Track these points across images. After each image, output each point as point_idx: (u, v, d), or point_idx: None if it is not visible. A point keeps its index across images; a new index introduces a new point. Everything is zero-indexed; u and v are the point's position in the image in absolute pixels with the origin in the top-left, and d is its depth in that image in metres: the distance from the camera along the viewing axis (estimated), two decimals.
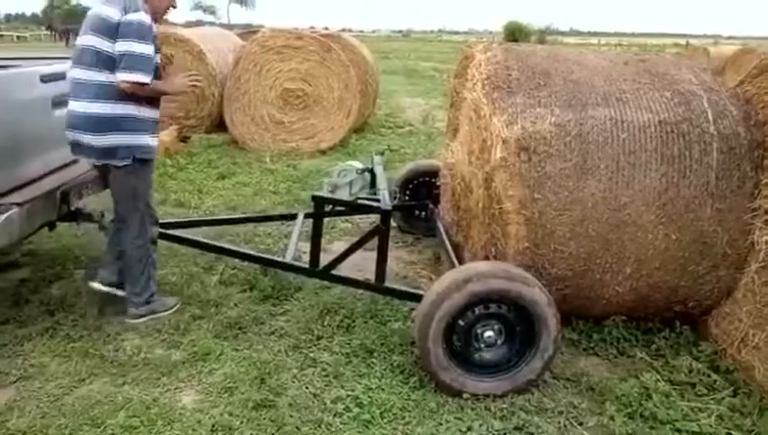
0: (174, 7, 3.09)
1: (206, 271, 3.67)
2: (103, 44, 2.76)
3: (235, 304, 3.25)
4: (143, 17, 2.77)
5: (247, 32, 10.74)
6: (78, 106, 2.81)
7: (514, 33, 29.07)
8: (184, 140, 6.84)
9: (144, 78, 2.76)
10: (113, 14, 2.76)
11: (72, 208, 3.19)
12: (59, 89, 3.11)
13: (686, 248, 2.71)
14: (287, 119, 7.30)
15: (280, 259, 3.22)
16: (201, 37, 8.13)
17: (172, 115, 7.68)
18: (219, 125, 7.81)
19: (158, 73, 2.96)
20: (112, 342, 2.85)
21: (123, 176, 2.90)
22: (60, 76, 3.13)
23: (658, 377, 2.64)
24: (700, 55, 14.76)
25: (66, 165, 3.29)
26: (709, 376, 2.65)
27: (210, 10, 60.59)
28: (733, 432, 2.33)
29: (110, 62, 2.76)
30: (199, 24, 38.24)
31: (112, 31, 2.75)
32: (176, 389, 2.53)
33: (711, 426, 2.36)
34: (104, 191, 3.26)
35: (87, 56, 2.79)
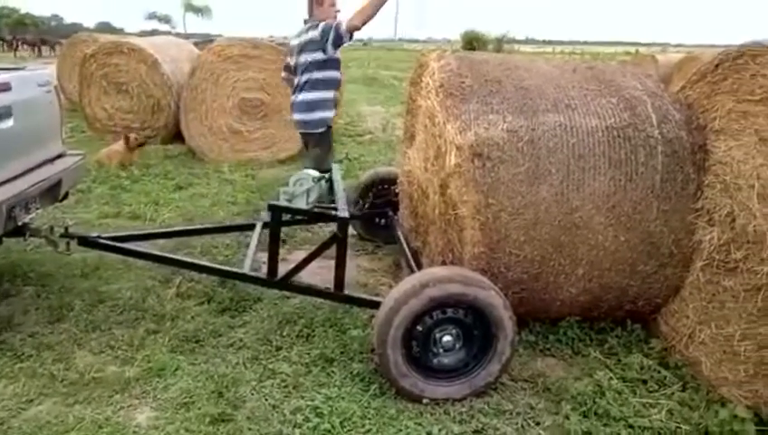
0: (337, 11, 4.13)
1: (162, 284, 3.60)
2: (312, 55, 4.03)
3: (193, 317, 3.19)
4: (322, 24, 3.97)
5: (204, 41, 10.62)
6: (301, 96, 4.16)
7: (472, 42, 29.51)
8: (139, 146, 6.68)
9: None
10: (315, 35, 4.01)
11: (20, 223, 3.08)
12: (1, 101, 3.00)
13: (635, 249, 2.80)
14: (245, 128, 7.23)
15: (238, 270, 3.18)
16: (156, 47, 7.99)
17: (127, 126, 7.53)
18: (176, 136, 7.68)
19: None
20: (63, 360, 2.76)
21: (319, 138, 4.24)
22: (5, 87, 3.02)
23: (612, 375, 2.71)
24: (648, 63, 15.27)
25: (11, 179, 3.18)
26: (659, 372, 2.74)
27: (165, 19, 59.55)
28: (682, 426, 2.41)
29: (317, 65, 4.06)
30: (154, 33, 37.57)
31: (318, 42, 3.98)
32: (129, 406, 2.47)
33: (662, 421, 2.43)
34: (52, 205, 3.16)
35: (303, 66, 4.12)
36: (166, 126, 7.74)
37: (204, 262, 3.50)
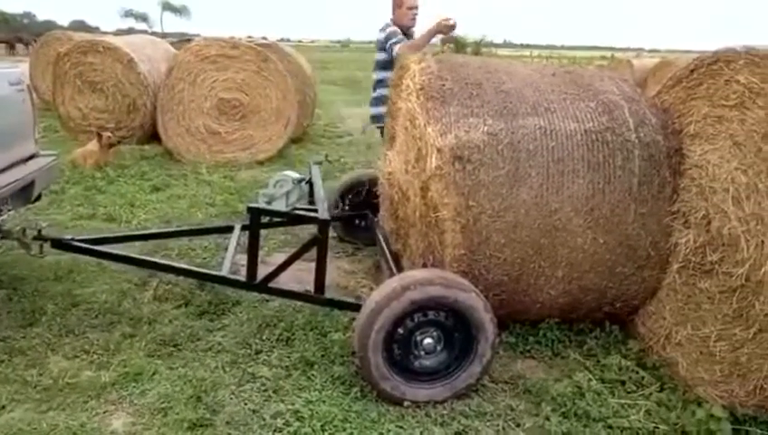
0: (414, 15, 4.39)
1: (138, 287, 3.54)
2: (380, 55, 4.42)
3: (170, 321, 3.14)
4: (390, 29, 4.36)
5: (181, 40, 10.48)
6: (373, 93, 4.53)
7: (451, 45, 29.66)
8: (112, 146, 6.56)
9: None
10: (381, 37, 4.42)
11: None
12: None
13: (613, 251, 2.84)
14: (223, 129, 7.17)
15: (216, 273, 3.14)
16: (131, 45, 7.88)
17: (102, 126, 7.40)
18: (152, 136, 7.57)
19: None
20: (36, 365, 2.69)
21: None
22: None
23: (591, 376, 2.73)
24: (624, 67, 15.53)
25: None
26: (637, 373, 2.77)
27: (142, 18, 58.71)
28: (660, 426, 2.44)
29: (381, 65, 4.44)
30: (131, 32, 37.04)
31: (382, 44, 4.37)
32: (105, 412, 2.42)
33: (640, 421, 2.46)
34: (25, 207, 3.09)
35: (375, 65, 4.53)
36: (142, 126, 7.63)
37: (181, 264, 3.45)
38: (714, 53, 2.68)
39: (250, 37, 12.45)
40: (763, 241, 2.36)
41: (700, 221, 2.71)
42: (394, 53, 4.19)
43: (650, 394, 2.63)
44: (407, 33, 4.38)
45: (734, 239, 2.50)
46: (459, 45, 29.19)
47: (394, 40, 4.27)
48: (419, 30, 4.49)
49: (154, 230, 4.21)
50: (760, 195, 2.40)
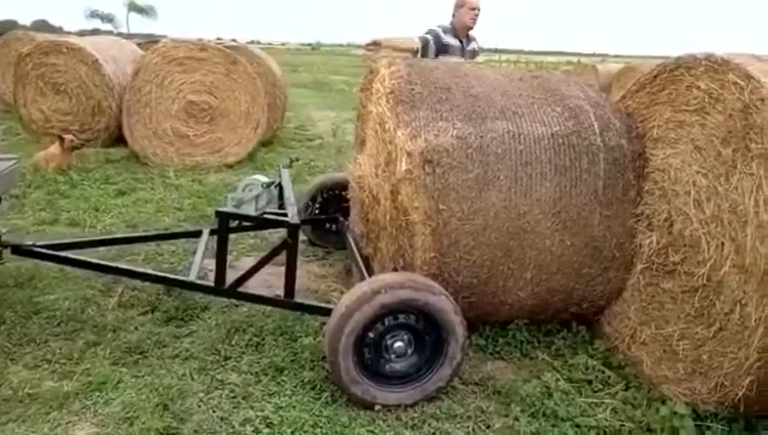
0: (475, 15, 4.37)
1: (103, 294, 3.46)
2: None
3: (136, 328, 3.08)
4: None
5: (148, 42, 10.31)
6: None
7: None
8: (75, 149, 6.41)
9: None
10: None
11: None
12: None
13: (580, 253, 2.88)
14: (192, 132, 7.06)
15: (184, 278, 3.09)
16: (96, 46, 7.71)
17: (65, 128, 7.21)
18: (118, 139, 7.42)
19: None
20: None
21: None
22: None
23: (558, 376, 2.78)
24: (590, 72, 15.84)
25: None
26: (604, 372, 2.82)
27: (108, 18, 57.45)
28: (626, 424, 2.49)
29: None
30: (95, 33, 36.23)
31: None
32: (68, 423, 2.35)
33: (607, 420, 2.51)
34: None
35: None
36: (107, 129, 7.47)
37: (147, 270, 3.38)
38: (675, 60, 2.76)
39: (219, 39, 12.31)
40: (722, 242, 2.43)
41: (663, 223, 2.77)
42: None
43: (616, 393, 2.68)
44: (463, 33, 4.42)
45: (695, 241, 2.57)
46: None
47: (447, 38, 4.34)
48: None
49: (119, 235, 4.11)
50: (720, 198, 2.47)
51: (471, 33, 4.54)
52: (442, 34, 4.36)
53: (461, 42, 4.45)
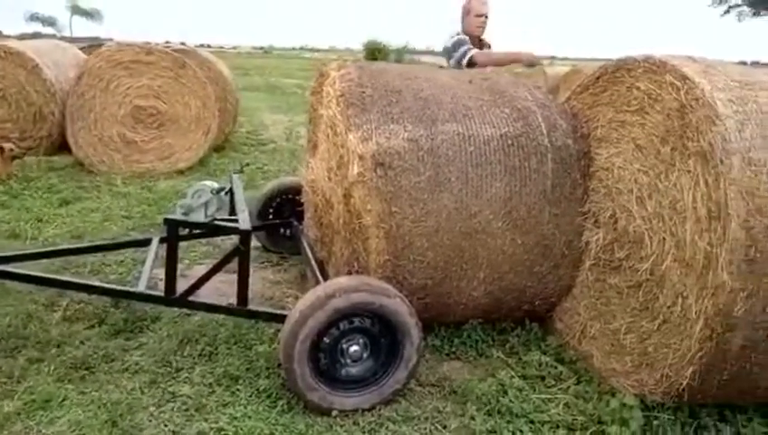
0: (481, 23, 4.36)
1: (46, 308, 3.31)
2: (446, 63, 4.43)
3: (82, 342, 2.96)
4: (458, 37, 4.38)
5: (91, 45, 9.96)
6: None
7: (374, 52, 29.91)
8: (15, 158, 6.14)
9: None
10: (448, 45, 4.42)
11: None
12: None
13: (531, 251, 2.94)
14: (140, 138, 6.86)
15: (131, 289, 2.99)
16: (37, 50, 7.39)
17: (4, 136, 6.90)
18: (61, 146, 7.14)
19: None
20: None
21: None
22: None
23: (513, 373, 2.82)
24: (538, 74, 16.18)
25: None
26: (556, 368, 2.89)
27: (50, 22, 55.40)
28: (578, 418, 2.55)
29: None
30: (36, 36, 34.86)
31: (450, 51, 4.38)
32: None
33: (560, 414, 2.56)
34: None
35: None
36: (49, 136, 7.17)
37: (93, 282, 3.27)
38: (616, 62, 2.85)
39: (168, 43, 12.02)
40: (664, 238, 2.52)
41: (608, 220, 2.86)
42: (466, 58, 4.22)
43: (568, 387, 2.75)
44: (474, 41, 4.38)
45: (638, 237, 2.66)
46: (383, 52, 29.52)
47: (466, 47, 4.26)
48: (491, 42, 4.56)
49: (63, 246, 3.95)
50: (660, 194, 2.56)
51: (485, 39, 4.49)
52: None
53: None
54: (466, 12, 4.36)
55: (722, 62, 2.69)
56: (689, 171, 2.38)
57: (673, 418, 2.50)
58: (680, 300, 2.41)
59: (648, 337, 2.57)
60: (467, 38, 4.34)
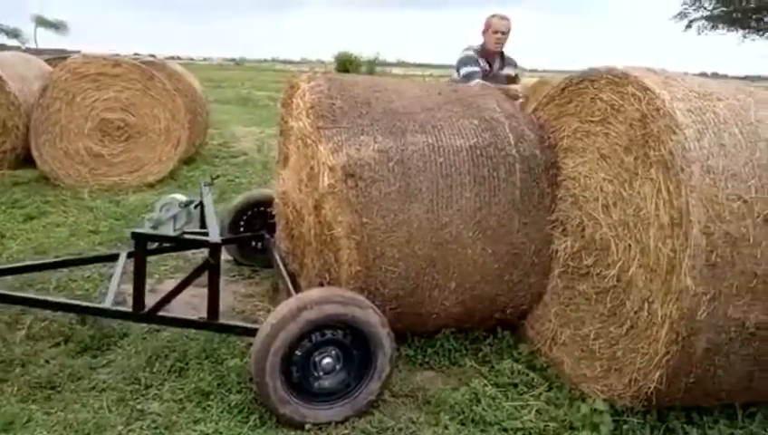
0: (498, 39, 4.37)
1: (9, 326, 3.21)
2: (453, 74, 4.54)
3: (47, 361, 2.88)
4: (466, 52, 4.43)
5: (57, 57, 9.78)
6: None
7: (345, 64, 30.02)
8: None
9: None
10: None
11: None
12: None
13: (501, 260, 2.98)
14: (107, 151, 6.75)
15: (98, 305, 2.93)
16: (0, 63, 7.24)
17: None
18: (26, 160, 6.98)
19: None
20: None
21: None
22: None
23: (486, 382, 2.84)
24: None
25: None
26: (528, 375, 2.92)
27: (14, 33, 54.22)
28: (549, 424, 2.58)
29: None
30: (0, 48, 34.09)
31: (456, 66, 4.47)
32: None
33: (532, 421, 2.59)
34: None
35: None
36: (13, 149, 7.00)
37: (59, 298, 3.19)
38: (581, 74, 2.92)
39: (137, 55, 11.88)
40: (629, 244, 2.58)
41: (576, 228, 2.91)
42: (466, 78, 4.28)
43: (540, 394, 2.77)
44: (492, 56, 4.40)
45: (605, 244, 2.72)
46: (354, 64, 29.64)
47: (467, 70, 4.30)
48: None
49: (27, 262, 3.86)
50: (625, 202, 2.62)
51: (508, 56, 4.51)
52: (476, 56, 4.36)
53: (490, 65, 4.42)
54: (486, 27, 4.41)
55: (681, 73, 2.78)
56: (652, 179, 2.45)
57: (642, 421, 2.54)
58: (646, 305, 2.46)
59: (617, 342, 2.62)
60: (474, 55, 4.37)
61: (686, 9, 26.57)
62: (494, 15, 4.42)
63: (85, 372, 2.81)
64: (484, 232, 2.91)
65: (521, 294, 3.12)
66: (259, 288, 3.99)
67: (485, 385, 2.80)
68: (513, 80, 4.52)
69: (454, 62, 4.54)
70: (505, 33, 4.40)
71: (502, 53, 4.49)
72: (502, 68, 4.50)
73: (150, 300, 2.88)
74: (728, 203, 2.24)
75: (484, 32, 4.43)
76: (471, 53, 4.39)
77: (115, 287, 3.10)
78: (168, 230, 2.89)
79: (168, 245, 3.37)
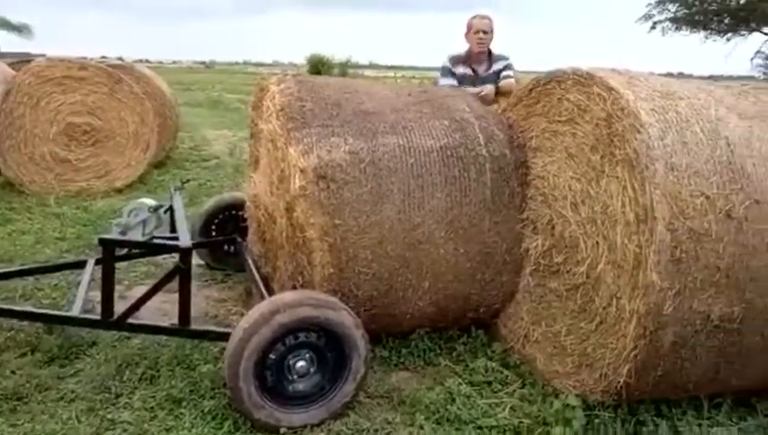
0: (481, 39, 4.31)
1: None
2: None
3: (13, 372, 2.81)
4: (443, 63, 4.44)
5: (21, 61, 9.55)
6: None
7: (317, 66, 29.93)
8: None
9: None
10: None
11: None
12: None
13: (473, 259, 3.00)
14: (74, 156, 6.61)
15: (65, 313, 2.87)
16: None
17: None
18: None
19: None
20: None
21: None
22: None
23: (460, 381, 2.86)
24: None
25: None
26: (502, 373, 2.94)
27: None
28: (524, 421, 2.60)
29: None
30: None
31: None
32: None
33: (506, 418, 2.61)
34: None
35: None
36: None
37: (25, 307, 3.12)
38: (548, 74, 2.96)
39: (104, 58, 11.66)
40: (597, 241, 2.63)
41: (546, 227, 2.95)
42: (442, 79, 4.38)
43: (514, 391, 2.80)
44: (477, 59, 4.35)
45: (574, 241, 2.76)
46: (326, 66, 29.58)
47: (441, 82, 4.37)
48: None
49: None
50: (592, 200, 2.67)
51: (497, 54, 4.42)
52: (450, 66, 4.34)
53: (474, 69, 4.36)
54: (468, 29, 4.36)
55: (645, 73, 2.84)
56: (617, 177, 2.49)
57: (613, 415, 2.59)
58: (614, 301, 2.51)
59: (587, 338, 2.66)
60: (449, 65, 4.36)
61: (650, 11, 27.26)
62: (474, 16, 4.38)
63: (53, 382, 2.74)
64: (455, 232, 2.93)
65: (493, 293, 3.15)
66: (232, 292, 3.95)
67: (460, 384, 2.82)
68: (503, 76, 4.38)
69: (425, 63, 4.62)
70: (488, 33, 4.32)
71: (489, 52, 4.40)
72: (490, 68, 4.39)
73: (120, 307, 2.83)
74: (691, 199, 2.30)
75: (466, 34, 4.39)
76: (447, 63, 4.38)
77: (83, 295, 3.04)
78: (136, 235, 2.85)
79: (137, 250, 3.31)
